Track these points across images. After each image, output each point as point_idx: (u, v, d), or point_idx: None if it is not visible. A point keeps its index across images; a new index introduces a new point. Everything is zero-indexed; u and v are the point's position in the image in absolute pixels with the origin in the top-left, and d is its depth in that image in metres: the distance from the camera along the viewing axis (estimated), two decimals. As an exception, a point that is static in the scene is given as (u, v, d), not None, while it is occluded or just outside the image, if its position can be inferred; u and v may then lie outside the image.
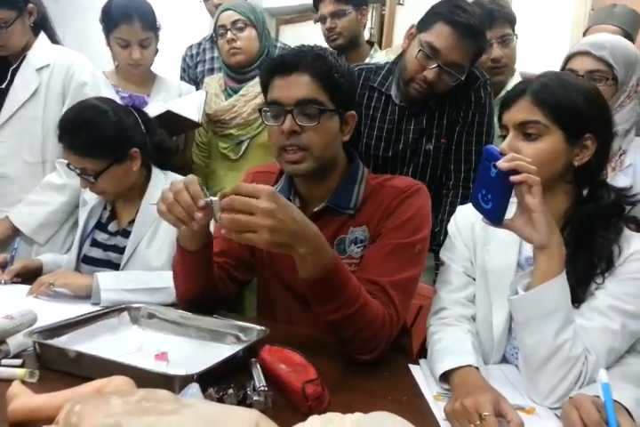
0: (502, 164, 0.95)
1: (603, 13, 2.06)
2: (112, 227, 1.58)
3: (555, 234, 0.97)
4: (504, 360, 1.12)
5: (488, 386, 0.92)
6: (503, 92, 1.94)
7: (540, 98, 1.04)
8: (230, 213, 0.85)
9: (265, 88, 1.19)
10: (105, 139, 1.44)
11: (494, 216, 0.99)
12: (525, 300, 0.97)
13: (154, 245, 1.52)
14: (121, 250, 1.54)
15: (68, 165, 1.50)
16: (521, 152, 1.02)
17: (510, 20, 1.92)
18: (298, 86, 1.12)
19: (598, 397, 0.81)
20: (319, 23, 2.31)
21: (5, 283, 1.49)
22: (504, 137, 1.08)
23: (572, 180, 1.08)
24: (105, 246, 1.57)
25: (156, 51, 2.03)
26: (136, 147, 1.51)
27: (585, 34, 2.07)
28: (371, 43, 2.45)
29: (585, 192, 1.09)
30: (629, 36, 1.98)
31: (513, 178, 0.94)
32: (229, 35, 1.90)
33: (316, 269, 0.94)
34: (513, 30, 1.94)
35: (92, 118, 1.45)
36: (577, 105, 1.04)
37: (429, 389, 0.99)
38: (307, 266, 0.94)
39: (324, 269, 0.94)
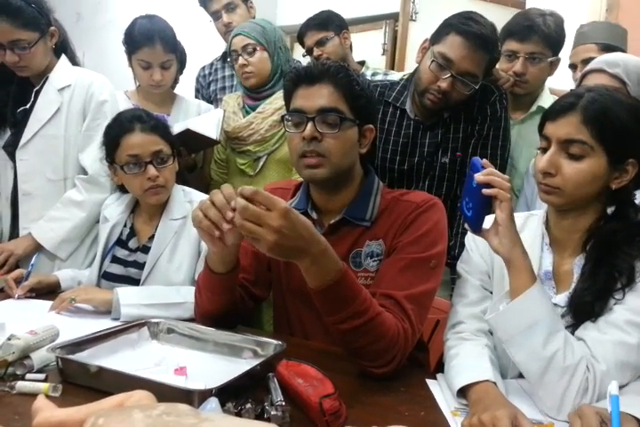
0: (478, 176, 0.99)
1: (575, 37, 2.06)
2: (132, 243, 1.61)
3: (516, 249, 0.99)
4: (522, 375, 1.11)
5: (506, 401, 0.92)
6: (534, 107, 1.95)
7: (591, 116, 1.00)
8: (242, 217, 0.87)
9: (288, 97, 1.23)
10: None
11: (473, 223, 1.06)
12: (500, 318, 0.99)
13: (173, 260, 1.54)
14: (141, 266, 1.56)
15: None
16: (561, 170, 1.02)
17: (549, 41, 1.86)
18: (320, 96, 1.16)
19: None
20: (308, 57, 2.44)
21: (19, 298, 1.52)
22: (544, 149, 1.07)
23: (604, 200, 1.07)
24: (125, 263, 1.59)
25: (181, 71, 2.08)
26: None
27: (571, 57, 2.06)
28: (361, 62, 2.51)
29: (610, 209, 1.08)
30: (611, 47, 1.94)
31: (484, 191, 0.99)
32: (241, 60, 1.95)
33: (321, 279, 0.95)
34: (552, 52, 1.89)
35: None
36: (626, 127, 1.00)
37: (447, 404, 0.99)
38: (311, 276, 0.96)
39: (330, 280, 0.95)
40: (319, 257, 0.93)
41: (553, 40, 1.88)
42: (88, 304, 1.42)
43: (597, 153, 1.01)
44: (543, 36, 1.85)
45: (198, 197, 1.63)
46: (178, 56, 2.02)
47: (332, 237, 1.22)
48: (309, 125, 1.15)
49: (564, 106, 1.04)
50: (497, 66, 1.90)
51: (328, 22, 2.40)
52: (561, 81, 2.14)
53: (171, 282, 1.51)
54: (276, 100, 1.96)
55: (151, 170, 1.50)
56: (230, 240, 1.00)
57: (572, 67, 2.05)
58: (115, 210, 1.67)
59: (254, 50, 1.94)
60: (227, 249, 1.06)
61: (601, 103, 1.01)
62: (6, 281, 1.58)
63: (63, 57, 1.90)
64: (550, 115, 1.06)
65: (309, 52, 2.43)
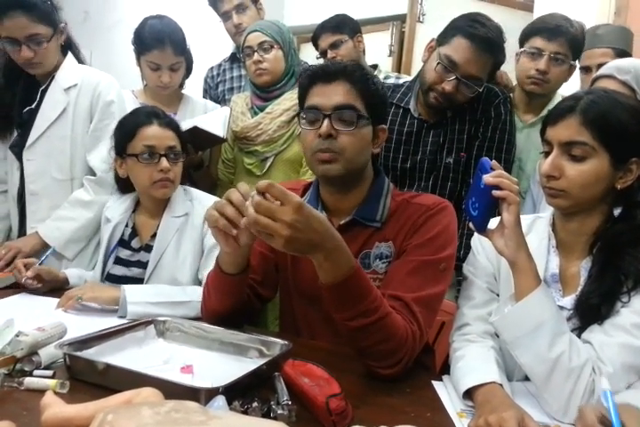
0: (487, 178, 1.00)
1: (589, 38, 2.03)
2: (135, 243, 1.61)
3: (522, 251, 1.00)
4: (528, 377, 1.11)
5: (512, 403, 0.91)
6: (545, 111, 1.93)
7: (590, 118, 1.01)
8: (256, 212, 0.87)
9: (303, 95, 1.23)
10: None
11: (478, 224, 1.06)
12: (505, 320, 0.99)
13: (177, 258, 1.55)
14: (144, 265, 1.56)
15: None
16: (564, 172, 1.03)
17: (573, 44, 1.85)
18: (337, 93, 1.17)
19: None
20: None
21: (26, 280, 1.52)
22: (547, 153, 1.07)
23: (611, 201, 1.07)
24: (128, 263, 1.60)
25: (189, 73, 2.09)
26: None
27: (580, 60, 2.04)
28: (374, 66, 2.53)
29: (617, 211, 1.08)
30: (625, 53, 1.95)
31: (494, 192, 0.99)
32: (256, 56, 1.94)
33: (333, 275, 0.95)
34: (573, 56, 1.88)
35: None
36: (626, 128, 1.01)
37: (453, 405, 0.99)
38: (324, 271, 0.96)
39: (343, 275, 0.95)
40: (333, 252, 0.93)
41: (576, 44, 1.88)
42: (95, 302, 1.42)
43: (599, 154, 1.01)
44: (570, 38, 1.84)
45: (198, 195, 1.65)
46: (186, 58, 2.02)
47: (342, 237, 1.22)
48: (325, 122, 1.15)
49: (563, 109, 1.04)
50: (516, 62, 1.92)
51: (343, 25, 2.43)
52: (574, 88, 2.13)
53: (174, 280, 1.52)
54: (285, 100, 1.96)
55: (164, 162, 1.52)
56: (244, 240, 1.00)
57: (585, 69, 2.03)
58: (116, 210, 1.67)
59: (271, 47, 1.95)
60: (239, 250, 1.07)
61: (600, 105, 1.02)
62: (16, 264, 1.58)
63: (69, 55, 1.90)
64: (550, 119, 1.07)
65: (323, 54, 2.45)
